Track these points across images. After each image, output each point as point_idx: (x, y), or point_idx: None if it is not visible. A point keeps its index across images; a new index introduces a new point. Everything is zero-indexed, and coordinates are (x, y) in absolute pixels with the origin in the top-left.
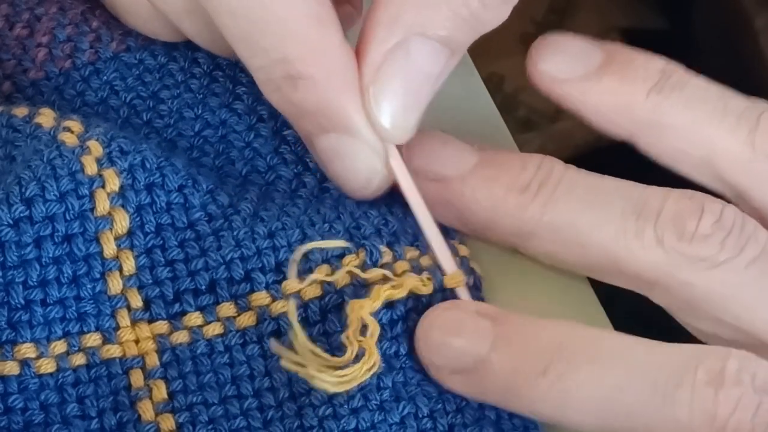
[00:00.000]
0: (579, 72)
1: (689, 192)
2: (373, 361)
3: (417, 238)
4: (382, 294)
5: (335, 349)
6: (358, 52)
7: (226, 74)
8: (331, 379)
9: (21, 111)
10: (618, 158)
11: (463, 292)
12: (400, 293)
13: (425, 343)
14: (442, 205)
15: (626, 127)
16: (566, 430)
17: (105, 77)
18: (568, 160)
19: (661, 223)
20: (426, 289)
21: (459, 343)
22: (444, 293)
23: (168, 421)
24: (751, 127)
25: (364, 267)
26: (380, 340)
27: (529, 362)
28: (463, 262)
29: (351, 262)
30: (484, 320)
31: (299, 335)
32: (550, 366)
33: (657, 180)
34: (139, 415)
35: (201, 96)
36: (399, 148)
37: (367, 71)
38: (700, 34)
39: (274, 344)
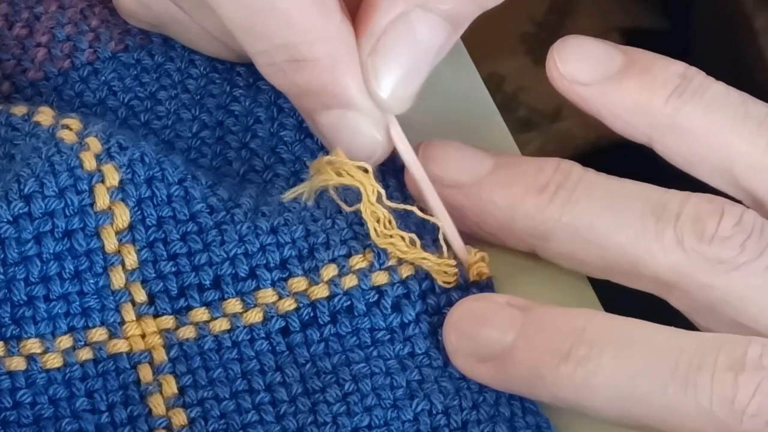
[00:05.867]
0: (599, 75)
1: (709, 195)
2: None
3: (421, 237)
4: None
5: (347, 350)
6: (359, 23)
7: (223, 76)
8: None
9: (20, 109)
10: (618, 159)
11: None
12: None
13: (455, 332)
14: (460, 211)
15: (645, 131)
16: (582, 429)
17: (103, 77)
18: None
19: (681, 225)
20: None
21: (487, 331)
22: (453, 293)
23: (180, 416)
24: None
25: (371, 269)
26: (393, 342)
27: (552, 347)
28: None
29: (358, 263)
30: (513, 310)
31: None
32: (572, 351)
33: (659, 181)
34: (150, 410)
35: (198, 97)
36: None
37: (367, 42)
38: (700, 34)
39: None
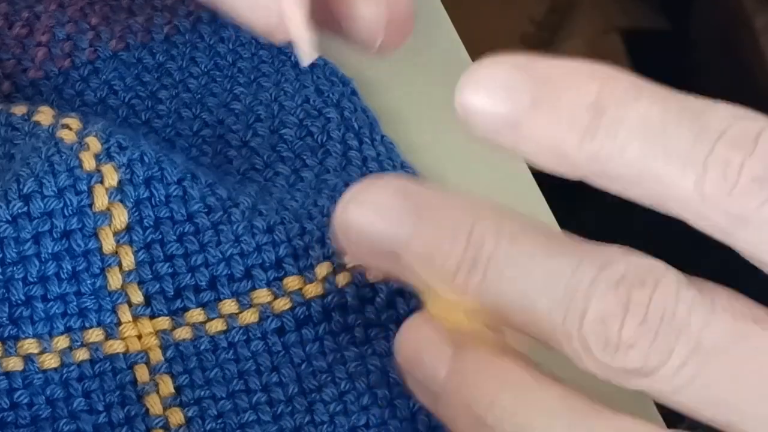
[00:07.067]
0: (507, 109)
1: (618, 273)
2: None
3: None
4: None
5: (343, 348)
6: None
7: (224, 74)
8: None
9: (20, 109)
10: None
11: None
12: None
13: (400, 358)
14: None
15: (573, 173)
16: None
17: (104, 77)
18: None
19: (585, 330)
20: None
21: (422, 368)
22: None
23: (177, 415)
24: (699, 173)
25: None
26: (387, 339)
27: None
28: None
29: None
30: (444, 347)
31: None
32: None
33: None
34: (147, 409)
35: (199, 96)
36: None
37: None
38: (700, 34)
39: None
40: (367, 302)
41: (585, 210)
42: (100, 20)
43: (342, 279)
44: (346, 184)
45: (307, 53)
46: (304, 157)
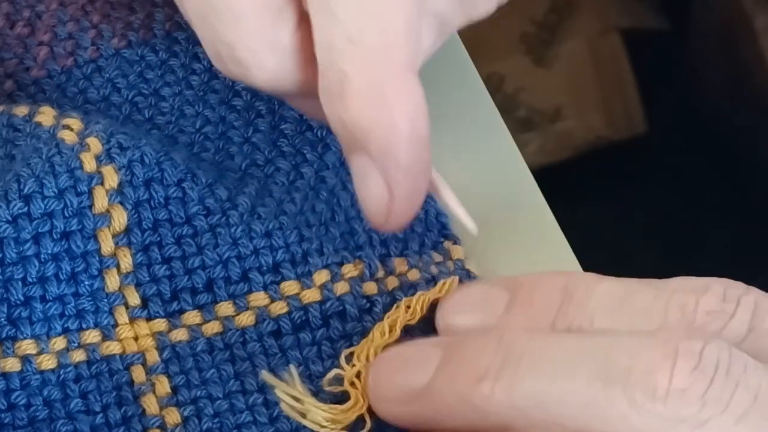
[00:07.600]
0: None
1: (664, 335)
2: (359, 405)
3: (406, 246)
4: (397, 327)
5: (340, 355)
6: None
7: None
8: (324, 414)
9: (21, 110)
10: (617, 158)
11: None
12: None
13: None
14: (422, 423)
15: None
16: None
17: (107, 74)
18: (568, 160)
19: (631, 384)
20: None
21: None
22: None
23: (173, 415)
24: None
25: (362, 278)
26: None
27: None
28: (456, 265)
29: (350, 272)
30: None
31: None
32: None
33: (658, 181)
34: (144, 409)
35: (201, 93)
36: None
37: None
38: (700, 34)
39: (267, 376)
40: (365, 312)
41: (585, 209)
42: (102, 18)
43: (340, 288)
44: (344, 185)
45: (469, 224)
46: (304, 152)
